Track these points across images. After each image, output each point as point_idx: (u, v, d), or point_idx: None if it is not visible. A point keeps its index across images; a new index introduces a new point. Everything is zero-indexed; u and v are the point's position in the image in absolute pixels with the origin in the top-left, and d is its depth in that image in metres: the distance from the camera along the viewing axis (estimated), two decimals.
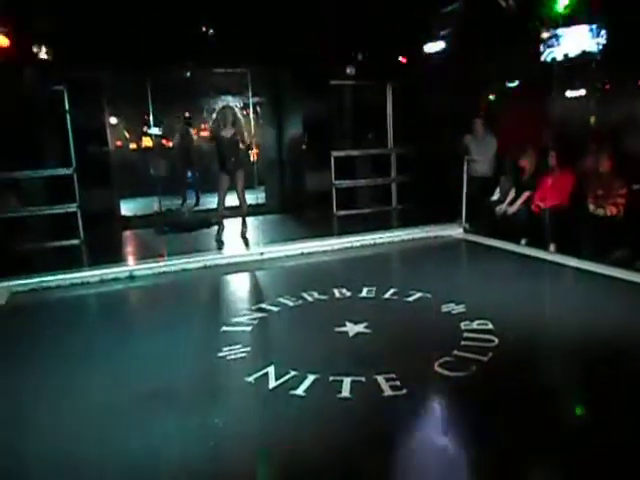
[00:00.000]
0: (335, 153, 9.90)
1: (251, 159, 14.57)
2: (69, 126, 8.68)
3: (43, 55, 7.95)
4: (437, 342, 4.24)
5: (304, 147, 10.30)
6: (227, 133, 7.52)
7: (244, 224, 7.93)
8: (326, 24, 8.52)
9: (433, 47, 8.81)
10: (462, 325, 4.48)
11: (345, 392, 3.50)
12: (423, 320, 4.79)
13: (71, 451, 3.09)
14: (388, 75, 10.11)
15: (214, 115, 7.80)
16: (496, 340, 4.17)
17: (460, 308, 4.89)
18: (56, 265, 6.84)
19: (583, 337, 4.24)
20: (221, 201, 7.75)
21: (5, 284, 6.25)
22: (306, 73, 9.53)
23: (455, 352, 3.98)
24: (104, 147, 9.51)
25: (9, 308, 5.77)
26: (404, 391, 3.48)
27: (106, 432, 3.26)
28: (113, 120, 12.06)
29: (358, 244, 7.67)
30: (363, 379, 3.63)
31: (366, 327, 4.56)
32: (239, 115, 7.75)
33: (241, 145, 7.59)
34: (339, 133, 10.57)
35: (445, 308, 4.92)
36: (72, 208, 8.54)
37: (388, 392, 3.48)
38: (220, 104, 13.37)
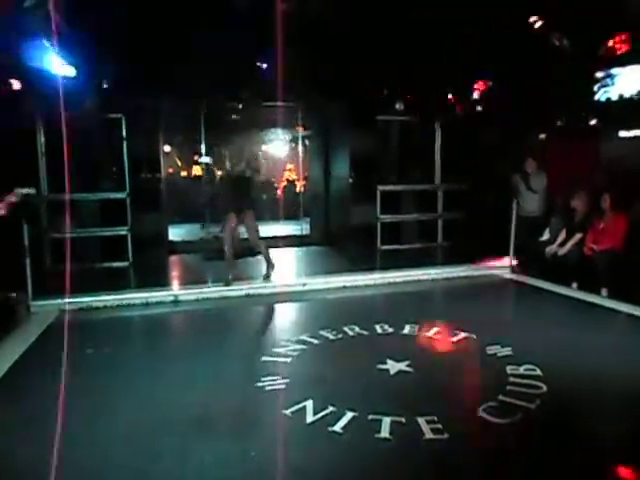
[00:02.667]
0: (381, 187, 9.92)
1: (297, 190, 14.83)
2: (125, 152, 9.03)
3: (104, 85, 8.36)
4: (481, 385, 4.12)
5: (350, 180, 10.36)
6: (237, 169, 7.26)
7: (269, 266, 7.30)
8: (375, 60, 8.63)
9: (482, 85, 8.81)
10: (508, 369, 4.32)
11: (384, 432, 3.41)
12: (467, 362, 4.66)
13: (102, 473, 3.09)
14: (437, 111, 10.13)
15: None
16: (544, 387, 3.99)
17: (506, 351, 4.73)
18: (104, 286, 7.04)
19: (636, 389, 4.02)
20: (229, 244, 7.15)
21: (55, 302, 6.44)
22: (354, 107, 9.65)
23: (500, 397, 3.83)
24: (157, 174, 9.82)
25: (56, 326, 5.91)
26: (446, 435, 3.36)
27: (140, 455, 3.26)
28: (167, 148, 12.45)
29: (401, 280, 7.57)
30: (403, 420, 3.53)
31: (408, 366, 4.46)
32: (253, 151, 7.62)
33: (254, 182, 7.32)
34: (386, 167, 10.60)
35: (490, 350, 4.77)
36: (123, 231, 8.81)
37: (429, 435, 3.37)
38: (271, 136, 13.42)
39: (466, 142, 9.95)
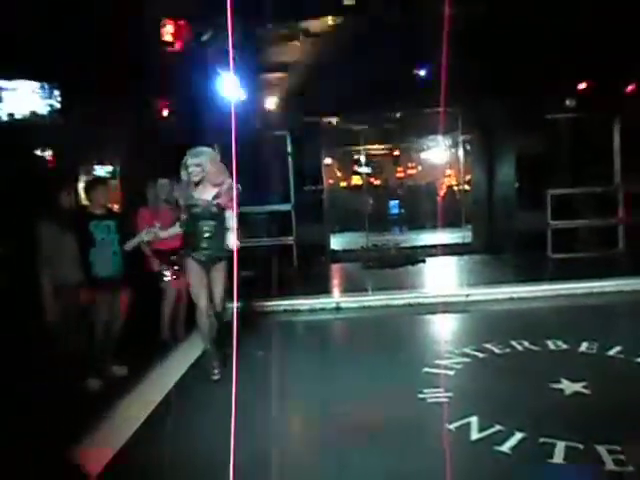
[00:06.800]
0: (552, 191, 9.21)
1: (457, 196, 14.42)
2: (290, 167, 9.57)
3: (272, 105, 8.96)
4: None
5: (516, 184, 9.81)
6: (203, 194, 4.60)
7: (220, 343, 4.81)
8: (542, 54, 8.09)
9: None
10: None
11: (558, 458, 3.14)
12: None
13: (271, 467, 3.26)
14: (615, 106, 9.19)
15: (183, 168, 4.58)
16: None
17: None
18: (273, 292, 7.52)
19: None
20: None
21: (228, 305, 6.98)
22: (520, 107, 9.13)
23: None
24: (318, 185, 10.24)
25: (230, 327, 6.39)
26: (631, 468, 3.00)
27: (304, 455, 3.43)
28: (327, 160, 12.94)
29: (577, 292, 6.94)
30: (580, 446, 3.22)
31: (585, 387, 4.07)
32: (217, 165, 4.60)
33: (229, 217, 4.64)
34: (557, 169, 9.85)
35: None
36: (289, 241, 9.35)
37: (610, 466, 3.03)
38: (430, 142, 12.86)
39: None
